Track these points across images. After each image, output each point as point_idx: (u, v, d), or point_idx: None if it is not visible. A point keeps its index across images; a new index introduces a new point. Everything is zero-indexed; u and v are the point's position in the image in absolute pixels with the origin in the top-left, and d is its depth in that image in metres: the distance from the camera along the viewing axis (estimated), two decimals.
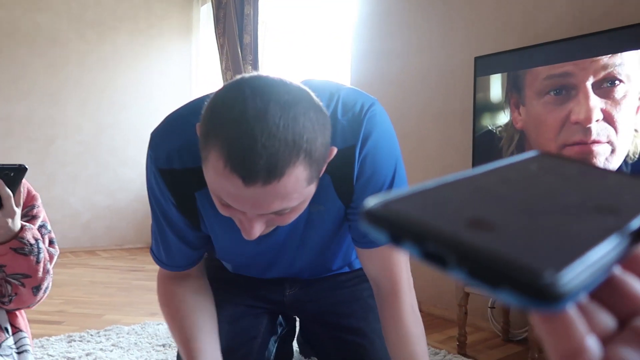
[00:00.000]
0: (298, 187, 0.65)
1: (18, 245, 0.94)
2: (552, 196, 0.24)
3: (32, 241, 0.97)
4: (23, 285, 0.98)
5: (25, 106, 3.83)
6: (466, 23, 2.31)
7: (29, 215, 1.07)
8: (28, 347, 1.05)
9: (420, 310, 2.67)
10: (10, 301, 1.00)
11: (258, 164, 0.61)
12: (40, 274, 0.99)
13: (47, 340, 1.93)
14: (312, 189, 0.70)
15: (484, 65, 2.00)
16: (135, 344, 1.92)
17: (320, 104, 0.68)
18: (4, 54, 3.71)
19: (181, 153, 0.84)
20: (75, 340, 1.93)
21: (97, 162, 4.15)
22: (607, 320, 0.21)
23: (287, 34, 3.75)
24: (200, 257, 0.98)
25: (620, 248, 0.20)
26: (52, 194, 3.86)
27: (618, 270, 0.22)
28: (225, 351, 0.93)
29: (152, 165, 0.87)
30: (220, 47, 3.89)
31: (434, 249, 0.19)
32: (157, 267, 0.99)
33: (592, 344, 0.20)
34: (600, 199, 0.24)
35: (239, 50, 3.67)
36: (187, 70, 4.55)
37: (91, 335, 1.99)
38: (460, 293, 1.89)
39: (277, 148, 0.61)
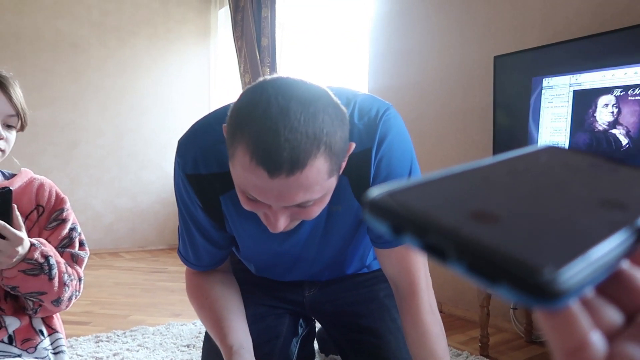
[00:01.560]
0: (319, 178, 0.69)
1: (26, 267, 0.93)
2: (559, 189, 0.23)
3: (42, 260, 0.95)
4: (41, 301, 0.98)
5: (49, 112, 3.92)
6: (485, 21, 2.30)
7: (58, 219, 1.07)
8: (64, 348, 1.07)
9: (441, 312, 2.67)
10: (36, 312, 1.02)
11: (282, 157, 0.65)
12: (55, 288, 0.97)
13: (76, 340, 1.98)
14: (333, 182, 0.74)
15: (503, 64, 1.99)
16: (161, 344, 1.95)
17: (338, 101, 0.72)
18: (28, 61, 3.80)
19: (206, 158, 0.88)
20: (102, 341, 1.98)
21: (118, 166, 4.23)
22: (613, 316, 0.21)
23: (304, 36, 3.77)
24: (226, 256, 1.02)
25: (627, 244, 0.20)
26: (75, 197, 3.95)
27: (626, 265, 0.21)
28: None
29: (179, 171, 0.91)
30: (238, 50, 3.92)
31: (434, 241, 0.19)
32: (179, 267, 1.03)
33: (597, 339, 0.20)
34: (609, 193, 0.23)
35: (257, 53, 3.70)
36: (206, 73, 4.60)
37: (117, 335, 2.04)
38: (482, 294, 1.88)
39: (299, 141, 0.65)
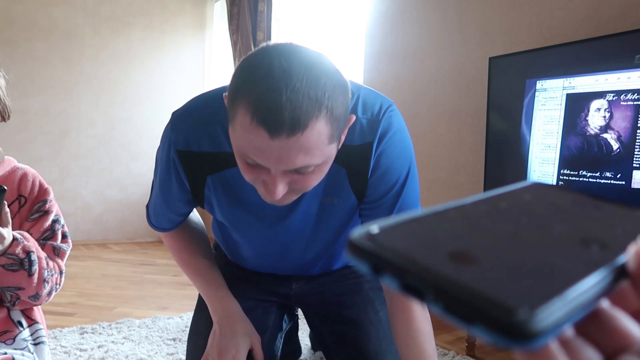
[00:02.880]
0: (320, 142, 0.69)
1: (6, 261, 0.92)
2: (540, 229, 0.23)
3: (22, 255, 0.93)
4: (18, 295, 0.97)
5: (40, 100, 3.87)
6: (480, 23, 2.30)
7: (41, 211, 1.05)
8: (44, 339, 1.06)
9: (430, 311, 2.68)
10: (13, 305, 1.00)
11: (283, 116, 0.65)
12: (34, 285, 0.96)
13: (60, 331, 1.96)
14: (333, 149, 0.74)
15: (498, 66, 1.99)
16: (146, 337, 1.94)
17: (339, 70, 0.73)
18: (21, 48, 3.76)
19: (199, 136, 0.88)
20: (87, 332, 1.96)
21: (109, 156, 4.19)
22: (592, 356, 0.21)
23: (300, 31, 3.75)
24: (182, 220, 1.07)
25: (605, 283, 0.20)
26: (65, 187, 3.91)
27: (606, 305, 0.21)
28: None
29: (170, 146, 0.93)
30: (234, 43, 3.90)
31: (411, 282, 0.19)
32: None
33: None
34: (590, 232, 0.23)
35: (252, 47, 3.68)
36: (200, 66, 4.57)
37: (103, 327, 2.02)
38: None
39: (300, 102, 0.65)
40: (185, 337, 1.94)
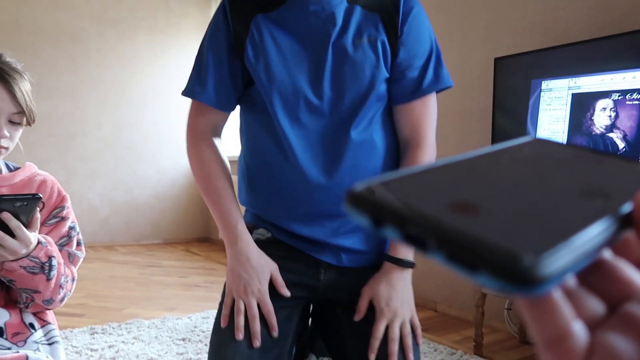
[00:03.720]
0: None
1: (28, 263, 0.93)
2: (542, 181, 0.23)
3: (44, 259, 0.95)
4: (33, 298, 0.98)
5: (47, 103, 3.91)
6: (486, 24, 2.31)
7: (58, 217, 1.07)
8: (58, 339, 1.07)
9: (436, 311, 2.67)
10: (27, 307, 1.02)
11: None
12: (50, 289, 0.97)
13: (71, 332, 1.98)
14: None
15: (503, 66, 2.00)
16: (156, 337, 1.96)
17: None
18: (28, 52, 3.79)
19: None
20: (97, 333, 1.98)
21: (115, 159, 4.22)
22: (595, 306, 0.21)
23: None
24: (226, 108, 1.04)
25: (609, 232, 0.19)
26: (71, 189, 3.94)
27: (608, 255, 0.21)
28: (261, 350, 0.94)
29: (221, 3, 1.00)
30: None
31: (414, 231, 0.19)
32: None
33: (578, 329, 0.20)
34: (592, 183, 0.23)
35: None
36: None
37: (113, 328, 2.04)
38: (477, 294, 1.90)
39: None
40: (194, 337, 1.96)
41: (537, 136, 0.30)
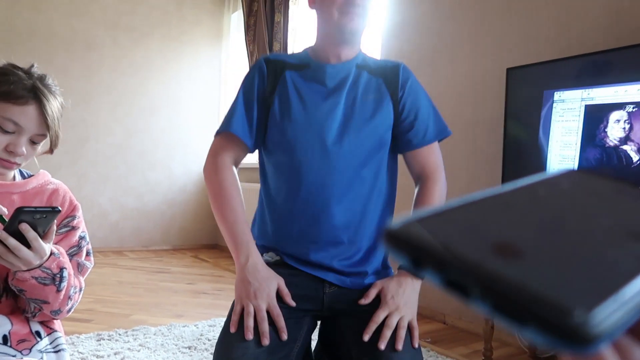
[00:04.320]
0: None
1: (40, 274, 0.93)
2: (584, 218, 0.22)
3: (56, 270, 0.94)
4: (41, 308, 0.98)
5: None
6: (498, 33, 2.30)
7: (69, 226, 1.06)
8: (64, 346, 1.07)
9: (445, 323, 2.64)
10: (34, 316, 1.02)
11: None
12: (59, 301, 0.97)
13: (77, 337, 1.98)
14: None
15: (515, 76, 1.98)
16: (162, 344, 1.95)
17: None
18: (42, 58, 3.84)
19: (286, 55, 1.21)
20: (104, 339, 1.98)
21: (126, 165, 4.25)
22: None
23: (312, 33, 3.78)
24: (248, 141, 1.17)
25: None
26: (82, 194, 3.97)
27: None
28: (268, 351, 0.98)
29: (259, 60, 1.19)
30: (250, 54, 3.94)
31: (456, 277, 0.18)
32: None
33: None
34: (636, 224, 0.22)
35: None
36: (217, 76, 4.62)
37: (119, 334, 2.03)
38: None
39: None
40: (200, 345, 1.95)
41: (576, 168, 0.28)
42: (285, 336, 0.99)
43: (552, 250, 0.19)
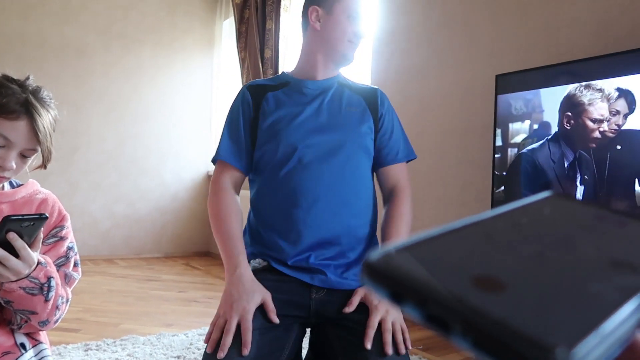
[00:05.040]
0: None
1: (27, 284, 0.91)
2: (567, 249, 0.22)
3: (44, 280, 0.93)
4: (29, 319, 0.96)
5: None
6: (488, 40, 2.31)
7: (57, 236, 1.05)
8: (50, 358, 1.05)
9: None
10: (20, 328, 1.00)
11: None
12: (47, 311, 0.96)
13: (65, 348, 1.95)
14: None
15: (505, 83, 1.99)
16: (151, 354, 1.93)
17: None
18: (33, 65, 3.82)
19: (263, 80, 1.30)
20: (91, 349, 1.95)
21: (118, 172, 4.22)
22: None
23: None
24: (241, 166, 1.23)
25: None
26: (73, 202, 3.94)
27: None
28: (255, 359, 0.99)
29: (243, 88, 1.26)
30: (242, 61, 3.94)
31: (436, 312, 0.18)
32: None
33: None
34: (618, 253, 0.22)
35: (260, 64, 3.72)
36: (209, 83, 4.62)
37: (107, 344, 2.01)
38: None
39: None
40: (189, 355, 1.93)
41: (553, 192, 0.28)
42: (245, 351, 0.99)
43: (534, 284, 0.19)
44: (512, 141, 1.91)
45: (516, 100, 1.91)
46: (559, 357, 0.16)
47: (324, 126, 1.19)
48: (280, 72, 1.32)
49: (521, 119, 1.88)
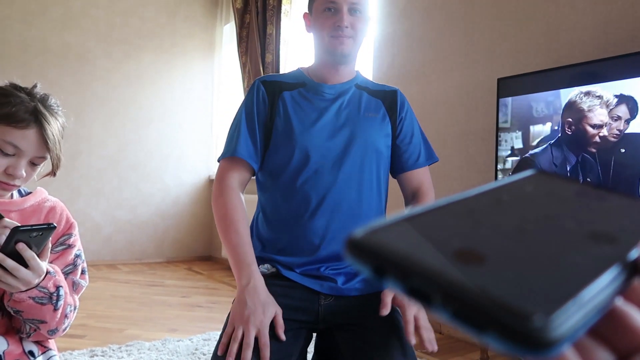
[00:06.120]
0: None
1: (37, 294, 0.92)
2: (547, 223, 0.22)
3: (52, 289, 0.94)
4: (38, 328, 0.97)
5: None
6: (489, 44, 2.32)
7: (65, 244, 1.06)
8: None
9: (441, 333, 2.63)
10: (29, 336, 1.00)
11: None
12: (56, 320, 0.96)
13: (71, 354, 1.96)
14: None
15: (506, 87, 2.00)
16: None
17: None
18: (34, 72, 3.83)
19: (280, 75, 1.26)
20: (97, 355, 1.95)
21: (119, 177, 4.23)
22: (605, 358, 0.20)
23: (308, 53, 3.80)
24: (253, 162, 1.19)
25: (619, 281, 0.19)
26: (75, 208, 3.94)
27: (619, 302, 0.20)
28: None
29: (256, 82, 1.22)
30: (243, 65, 3.95)
31: (417, 285, 0.18)
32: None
33: None
34: (597, 225, 0.22)
35: (261, 68, 3.73)
36: (210, 88, 4.63)
37: (113, 350, 2.01)
38: None
39: None
40: None
41: (537, 170, 0.29)
42: None
43: (513, 256, 0.19)
44: (533, 143, 1.92)
45: (537, 102, 1.92)
46: (537, 323, 0.16)
47: (342, 133, 1.16)
48: (296, 69, 1.28)
49: (542, 121, 1.89)
